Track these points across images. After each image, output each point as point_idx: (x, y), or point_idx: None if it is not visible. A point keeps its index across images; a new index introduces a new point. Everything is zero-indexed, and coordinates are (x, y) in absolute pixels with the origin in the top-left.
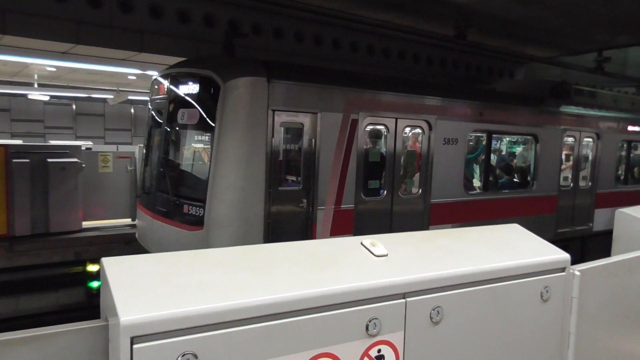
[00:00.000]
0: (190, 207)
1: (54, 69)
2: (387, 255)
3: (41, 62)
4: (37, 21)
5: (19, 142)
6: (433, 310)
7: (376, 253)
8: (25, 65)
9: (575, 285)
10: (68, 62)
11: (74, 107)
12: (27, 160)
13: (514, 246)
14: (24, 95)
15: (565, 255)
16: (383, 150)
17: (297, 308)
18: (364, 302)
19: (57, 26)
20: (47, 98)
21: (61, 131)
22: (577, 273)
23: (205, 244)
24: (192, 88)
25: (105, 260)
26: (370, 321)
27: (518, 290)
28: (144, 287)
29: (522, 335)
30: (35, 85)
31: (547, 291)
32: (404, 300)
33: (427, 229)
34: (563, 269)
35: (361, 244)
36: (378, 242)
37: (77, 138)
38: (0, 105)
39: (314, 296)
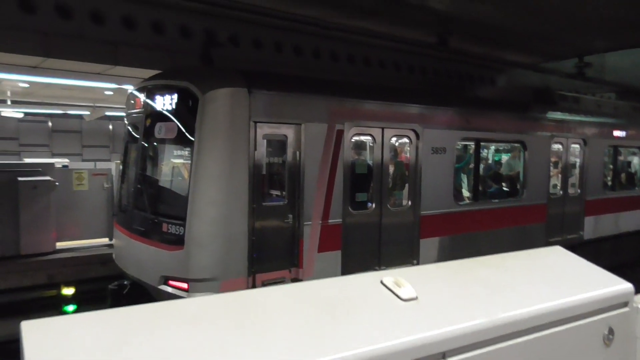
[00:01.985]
0: (170, 225)
1: (27, 85)
2: (416, 298)
3: (11, 77)
4: (2, 34)
5: None
6: None
7: (403, 296)
8: None
9: None
10: (40, 77)
11: (49, 124)
12: None
13: (562, 276)
14: None
15: (627, 286)
16: (370, 161)
17: None
18: None
19: (24, 38)
20: (21, 115)
21: (37, 149)
22: None
23: (186, 264)
24: (169, 100)
25: (25, 324)
26: None
27: (578, 334)
28: None
29: None
30: (9, 102)
31: (610, 333)
32: None
33: (417, 241)
34: (626, 304)
35: (382, 283)
36: (403, 279)
37: (54, 155)
38: None
39: None
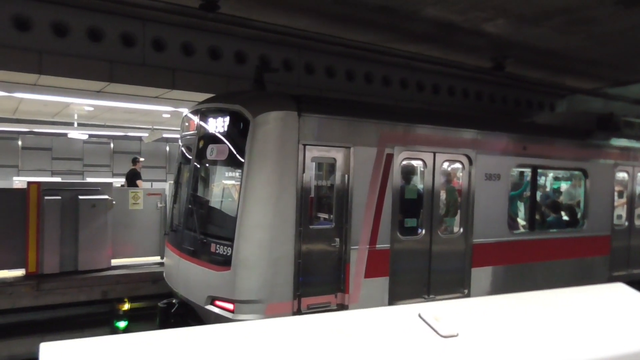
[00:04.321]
0: (218, 246)
1: (91, 109)
2: (457, 335)
3: (77, 101)
4: (72, 61)
5: (57, 179)
6: None
7: (442, 332)
8: (65, 105)
9: None
10: (102, 101)
11: (111, 145)
12: (59, 198)
13: (627, 318)
14: (65, 135)
15: None
16: (420, 186)
17: None
18: None
19: (92, 66)
20: (86, 137)
21: (99, 169)
22: None
23: (233, 285)
24: (221, 123)
25: (43, 346)
26: None
27: None
28: None
29: None
30: (75, 125)
31: None
32: None
33: (469, 270)
34: None
35: (419, 317)
36: (442, 313)
37: (114, 175)
38: (42, 144)
39: None
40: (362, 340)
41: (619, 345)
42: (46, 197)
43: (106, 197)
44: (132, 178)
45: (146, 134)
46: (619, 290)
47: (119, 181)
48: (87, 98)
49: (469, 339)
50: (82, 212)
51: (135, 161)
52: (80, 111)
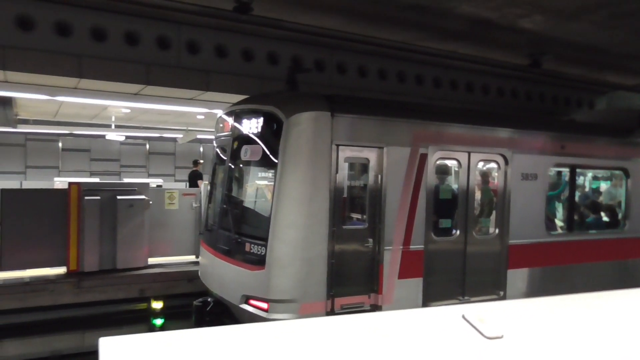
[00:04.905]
0: (252, 245)
1: (128, 111)
2: (502, 336)
3: (115, 103)
4: (110, 65)
5: (95, 180)
6: None
7: (487, 334)
8: (103, 107)
9: None
10: (139, 103)
11: (147, 146)
12: (98, 198)
13: None
14: (102, 136)
15: None
16: (455, 186)
17: None
18: None
19: (129, 69)
20: (122, 138)
21: (135, 169)
22: None
23: (267, 284)
24: (255, 124)
25: (103, 341)
26: None
27: None
28: None
29: None
30: (112, 127)
31: None
32: None
33: (505, 272)
34: None
35: (464, 318)
36: (488, 315)
37: (150, 176)
38: (81, 145)
39: None
40: (403, 341)
41: None
42: (86, 197)
43: (143, 197)
44: (194, 178)
45: (181, 135)
46: None
47: (155, 181)
48: (124, 100)
49: (515, 340)
50: (120, 211)
51: (196, 163)
52: (117, 113)
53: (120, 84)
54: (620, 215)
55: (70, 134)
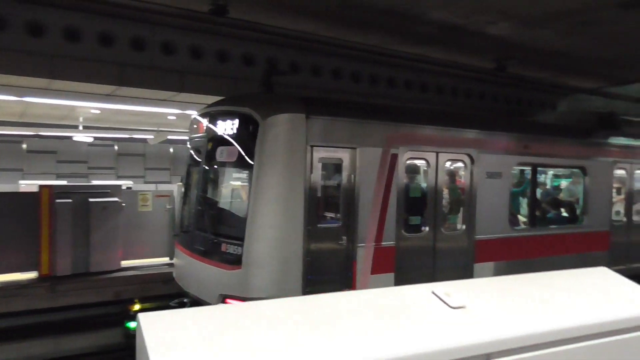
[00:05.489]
0: (229, 245)
1: (98, 112)
2: (464, 307)
3: (87, 104)
4: (83, 65)
5: (63, 182)
6: None
7: (452, 304)
8: (72, 108)
9: None
10: (111, 104)
11: (116, 147)
12: (70, 200)
13: (607, 294)
14: (70, 138)
15: None
16: (424, 185)
17: None
18: None
19: (102, 69)
20: (90, 139)
21: (103, 171)
22: None
23: (244, 284)
24: (230, 126)
25: (142, 316)
26: None
27: (622, 348)
28: (184, 349)
29: None
30: (80, 128)
31: None
32: None
33: (472, 266)
34: None
35: (433, 293)
36: (453, 290)
37: (119, 178)
38: (47, 147)
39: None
40: (386, 313)
41: (597, 312)
42: (58, 200)
43: (116, 199)
44: None
45: (151, 136)
46: (602, 272)
47: (124, 183)
48: (97, 102)
49: (475, 309)
50: (93, 214)
51: None
52: (86, 114)
53: (94, 84)
54: (578, 211)
55: (36, 135)
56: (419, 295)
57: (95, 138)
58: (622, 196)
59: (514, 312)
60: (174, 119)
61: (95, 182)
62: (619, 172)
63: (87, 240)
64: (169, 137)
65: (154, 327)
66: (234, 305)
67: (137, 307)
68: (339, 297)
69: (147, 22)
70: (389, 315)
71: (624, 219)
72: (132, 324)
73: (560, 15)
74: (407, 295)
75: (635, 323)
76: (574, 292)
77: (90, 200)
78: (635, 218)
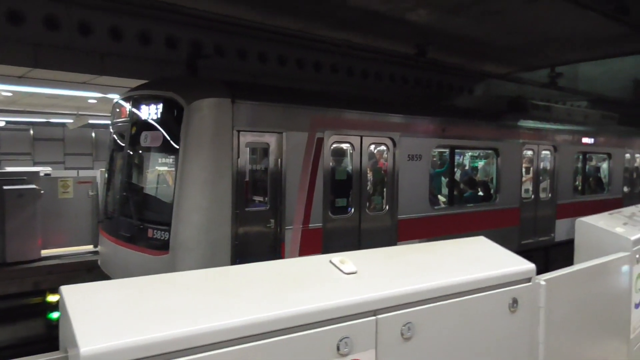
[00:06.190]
0: (155, 231)
1: (9, 94)
2: (356, 272)
3: None
4: None
5: None
6: (404, 326)
7: (345, 270)
8: None
9: (541, 295)
10: (25, 87)
11: (31, 132)
12: None
13: (481, 259)
14: None
15: (530, 266)
16: (349, 168)
17: (267, 330)
18: (334, 322)
19: (13, 49)
20: (2, 124)
21: (18, 157)
22: (543, 283)
23: (172, 268)
24: (154, 110)
25: (64, 288)
26: (341, 340)
27: (486, 302)
28: (106, 315)
29: (492, 347)
30: None
31: (514, 302)
32: (374, 317)
33: (395, 244)
34: (529, 279)
35: (330, 262)
36: (347, 259)
37: (36, 164)
38: None
39: (283, 317)
40: (288, 278)
41: (470, 272)
42: None
43: (33, 186)
44: None
45: (70, 120)
46: (481, 241)
47: (42, 170)
48: (8, 84)
49: (365, 274)
50: (8, 202)
51: None
52: None
53: (3, 66)
54: (492, 190)
55: None
56: (318, 264)
57: (8, 122)
58: (530, 175)
59: (398, 275)
60: (95, 102)
61: (8, 169)
62: (528, 153)
63: (2, 229)
64: (91, 121)
65: (77, 298)
66: (152, 276)
67: (57, 297)
68: (250, 267)
69: (61, 0)
70: (292, 281)
71: (532, 196)
72: (54, 315)
73: (471, 4)
74: (308, 264)
75: (500, 281)
76: (453, 257)
77: (5, 187)
78: (542, 195)
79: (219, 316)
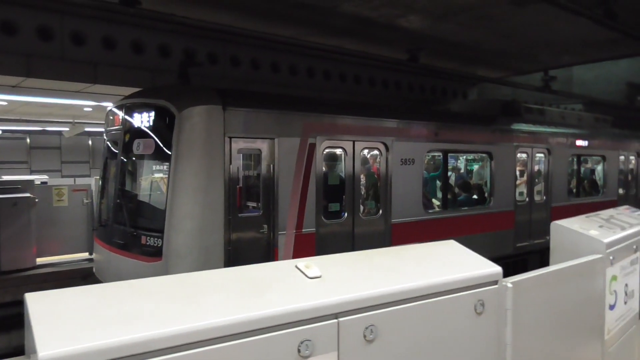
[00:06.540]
0: (148, 238)
1: (5, 103)
2: (320, 276)
3: None
4: None
5: None
6: (366, 329)
7: (310, 275)
8: None
9: (508, 298)
10: (19, 96)
11: (27, 140)
12: None
13: (448, 262)
14: None
15: (497, 269)
16: (342, 173)
17: (227, 333)
18: (295, 324)
19: (6, 60)
20: None
21: (14, 166)
22: (510, 285)
23: (165, 275)
24: (147, 118)
25: (28, 295)
26: (302, 343)
27: (452, 305)
28: (67, 320)
29: (458, 350)
30: None
31: (481, 304)
32: (336, 320)
33: None
34: (496, 282)
35: (296, 267)
36: (313, 264)
37: (32, 172)
38: None
39: (244, 321)
40: (253, 283)
41: (436, 275)
42: None
43: (28, 195)
44: None
45: (67, 128)
46: (450, 245)
47: (39, 178)
48: (2, 93)
49: (329, 278)
50: (3, 211)
51: None
52: None
53: None
54: (486, 193)
55: None
56: (284, 269)
57: (4, 131)
58: (524, 178)
59: (362, 279)
60: (91, 110)
61: (5, 178)
62: (522, 156)
63: None
64: (87, 129)
65: (40, 304)
66: (117, 282)
67: None
68: (218, 272)
69: (54, 10)
70: (257, 285)
71: (526, 199)
72: None
73: (461, 10)
74: (275, 269)
75: (466, 284)
76: (419, 261)
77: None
78: (536, 198)
79: (179, 320)
